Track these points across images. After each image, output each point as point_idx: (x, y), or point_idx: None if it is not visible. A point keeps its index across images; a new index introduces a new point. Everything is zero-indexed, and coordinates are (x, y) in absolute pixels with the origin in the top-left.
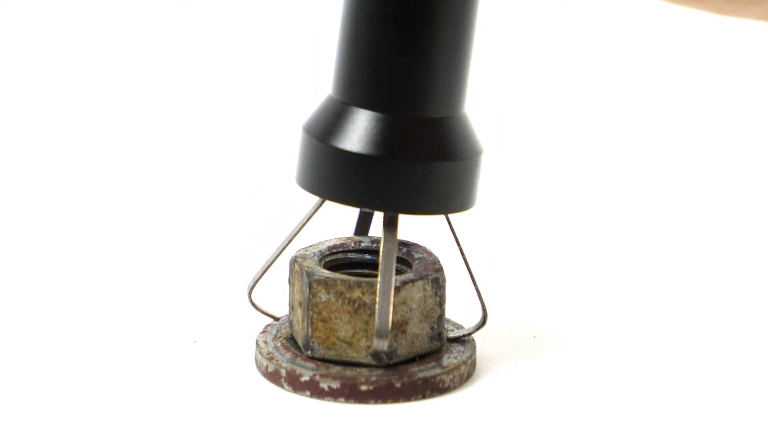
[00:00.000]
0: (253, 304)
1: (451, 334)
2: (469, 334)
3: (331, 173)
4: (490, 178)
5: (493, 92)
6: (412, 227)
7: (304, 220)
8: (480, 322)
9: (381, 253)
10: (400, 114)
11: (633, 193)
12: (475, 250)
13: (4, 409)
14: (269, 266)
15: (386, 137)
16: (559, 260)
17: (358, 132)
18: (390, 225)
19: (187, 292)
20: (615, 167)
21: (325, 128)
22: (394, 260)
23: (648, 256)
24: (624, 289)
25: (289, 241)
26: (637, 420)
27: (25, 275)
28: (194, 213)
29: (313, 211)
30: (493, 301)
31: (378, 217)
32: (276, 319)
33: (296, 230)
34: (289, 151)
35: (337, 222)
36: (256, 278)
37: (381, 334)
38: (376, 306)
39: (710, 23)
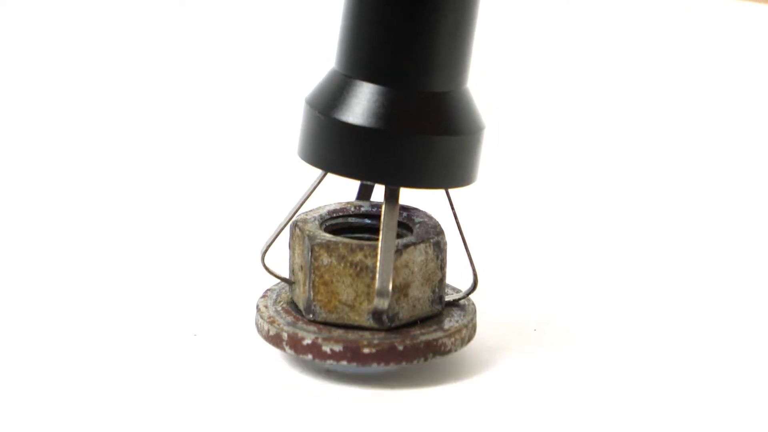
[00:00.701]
0: (266, 268)
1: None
2: (461, 299)
3: (333, 146)
4: (491, 155)
5: (492, 84)
6: (412, 200)
7: (309, 192)
8: (471, 287)
9: (382, 220)
10: (403, 88)
11: (630, 186)
12: (474, 225)
13: (4, 405)
14: (279, 233)
15: (389, 111)
16: (557, 250)
17: (361, 105)
18: (391, 198)
19: (186, 272)
20: (613, 159)
21: (327, 101)
22: (396, 223)
23: (647, 248)
24: (623, 281)
25: (296, 212)
26: (636, 412)
27: (22, 268)
28: (193, 199)
29: (317, 182)
30: (493, 295)
31: (379, 188)
32: (290, 282)
33: (302, 200)
34: (291, 124)
35: (340, 192)
36: (268, 244)
37: (381, 293)
38: (377, 264)
39: (709, 21)
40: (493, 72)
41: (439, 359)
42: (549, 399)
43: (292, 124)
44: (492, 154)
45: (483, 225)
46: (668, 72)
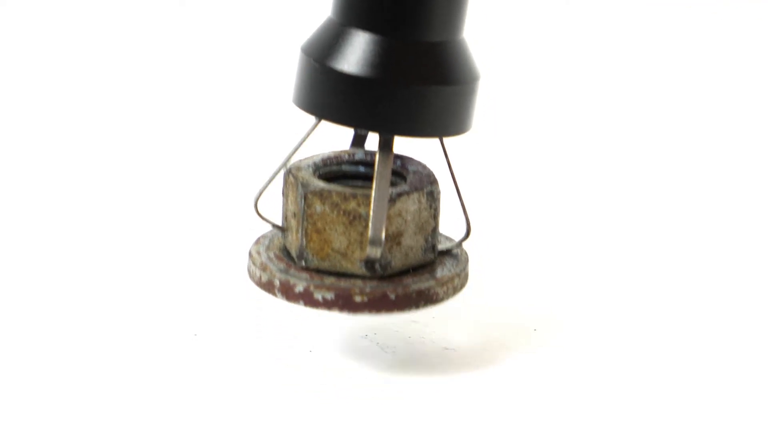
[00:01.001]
0: (259, 214)
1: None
2: (453, 248)
3: (328, 94)
4: (485, 105)
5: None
6: (406, 150)
7: (303, 139)
8: (464, 236)
9: (376, 169)
10: (398, 37)
11: (632, 186)
12: (467, 174)
13: (4, 405)
14: (272, 179)
15: (383, 60)
16: (557, 250)
17: (356, 54)
18: (385, 147)
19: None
20: (614, 155)
21: (323, 49)
22: (389, 173)
23: (647, 247)
24: (623, 280)
25: (289, 158)
26: (636, 412)
27: (21, 268)
28: (188, 147)
29: (311, 130)
30: (493, 295)
31: (373, 137)
32: (283, 229)
33: (296, 147)
34: (286, 71)
35: (334, 141)
36: (261, 190)
37: (374, 242)
38: (370, 213)
39: (708, 19)
40: (492, 27)
41: (440, 357)
42: (549, 399)
43: (288, 71)
44: (486, 104)
45: (477, 174)
46: (667, 54)
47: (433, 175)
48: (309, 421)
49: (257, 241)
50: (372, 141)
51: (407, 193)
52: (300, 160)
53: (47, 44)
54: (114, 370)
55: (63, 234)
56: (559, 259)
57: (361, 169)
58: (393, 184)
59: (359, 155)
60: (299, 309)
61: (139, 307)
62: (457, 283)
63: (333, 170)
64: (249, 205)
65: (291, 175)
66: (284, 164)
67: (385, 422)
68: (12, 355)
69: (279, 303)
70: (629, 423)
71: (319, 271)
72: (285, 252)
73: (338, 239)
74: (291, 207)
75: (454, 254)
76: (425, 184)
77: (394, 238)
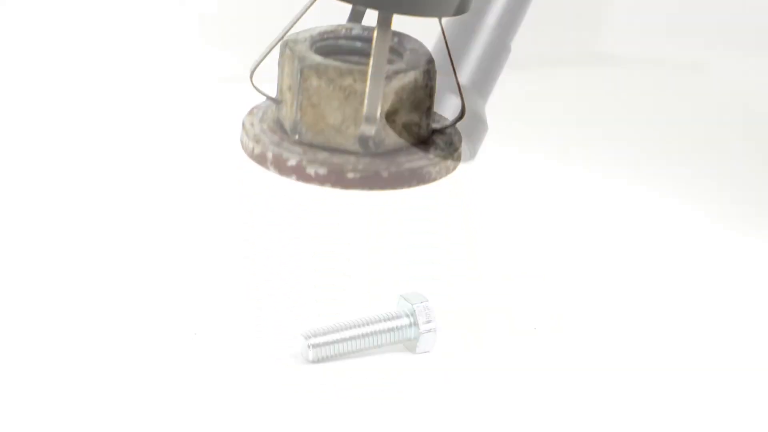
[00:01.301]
0: (254, 86)
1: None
2: (448, 127)
3: None
4: None
5: None
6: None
7: (302, 12)
8: (459, 115)
9: (373, 45)
10: None
11: (634, 182)
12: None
13: (4, 406)
14: (268, 52)
15: None
16: (557, 250)
17: None
18: (383, 24)
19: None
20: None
21: None
22: (387, 50)
23: (649, 247)
24: (624, 280)
25: (286, 31)
26: (636, 412)
27: (21, 268)
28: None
29: (309, 3)
30: (493, 294)
31: (371, 13)
32: (277, 102)
33: (294, 20)
34: None
35: (332, 15)
36: (257, 63)
37: (369, 118)
38: (366, 90)
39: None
40: None
41: (440, 357)
42: (549, 398)
43: None
44: None
45: None
46: None
47: (431, 55)
48: (309, 421)
49: (250, 112)
50: (370, 17)
51: (404, 70)
52: (297, 33)
53: (46, 42)
54: (114, 370)
55: (58, 225)
56: (559, 260)
57: (358, 44)
58: (390, 61)
59: (357, 30)
60: (298, 309)
61: (138, 306)
62: (450, 164)
63: (330, 44)
64: (244, 77)
65: (288, 48)
66: (281, 37)
67: (385, 422)
68: (11, 354)
69: (278, 303)
70: (629, 423)
71: (313, 146)
72: (278, 125)
73: (333, 114)
74: (287, 80)
75: (447, 134)
76: (422, 63)
77: (389, 116)
